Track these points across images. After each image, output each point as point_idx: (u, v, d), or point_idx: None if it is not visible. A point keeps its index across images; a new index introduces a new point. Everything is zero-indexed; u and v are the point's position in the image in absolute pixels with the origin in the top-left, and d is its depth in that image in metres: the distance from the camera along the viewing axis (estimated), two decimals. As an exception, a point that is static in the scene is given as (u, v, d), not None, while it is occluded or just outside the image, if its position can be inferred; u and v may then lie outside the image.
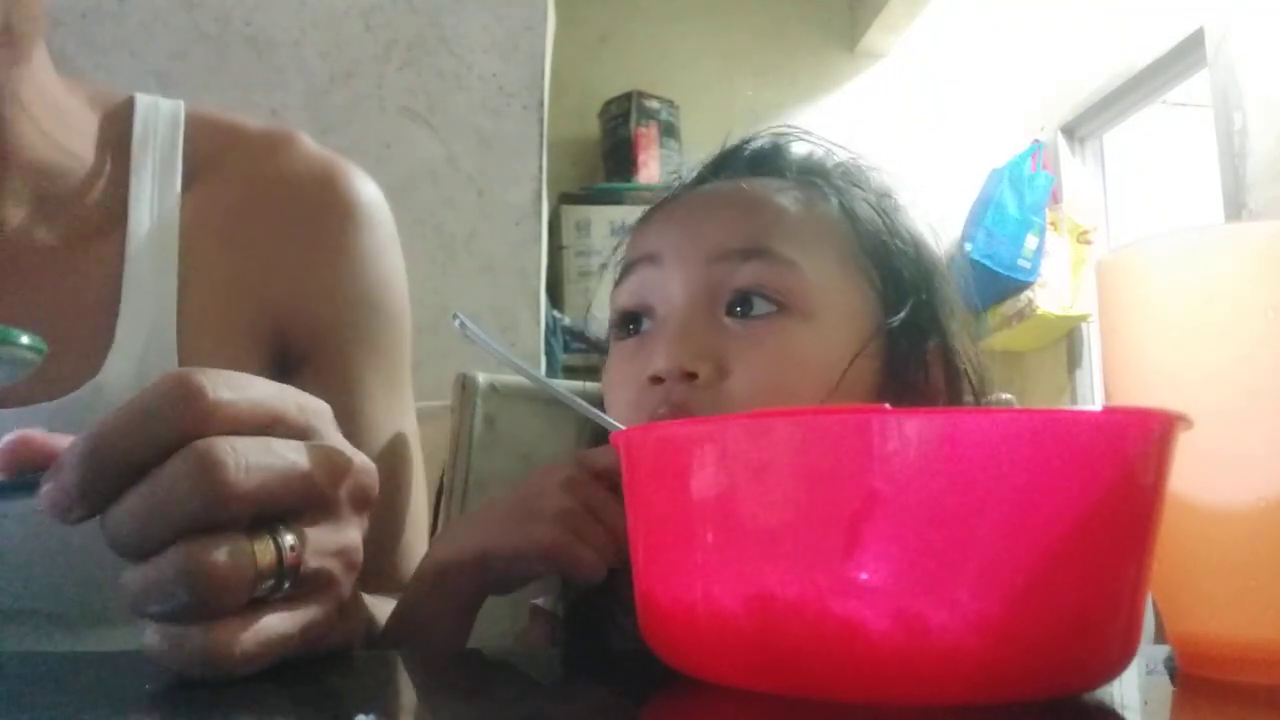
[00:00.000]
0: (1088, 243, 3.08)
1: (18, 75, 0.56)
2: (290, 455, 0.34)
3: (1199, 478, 0.33)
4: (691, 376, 0.52)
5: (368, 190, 0.66)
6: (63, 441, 0.33)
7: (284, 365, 0.62)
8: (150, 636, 0.34)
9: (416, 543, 0.67)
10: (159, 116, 0.62)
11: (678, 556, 0.32)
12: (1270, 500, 0.32)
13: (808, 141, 0.64)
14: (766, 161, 0.63)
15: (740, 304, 0.54)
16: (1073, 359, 3.16)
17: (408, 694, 0.38)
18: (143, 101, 0.63)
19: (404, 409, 0.68)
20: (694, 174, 0.64)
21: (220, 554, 0.32)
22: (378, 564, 0.64)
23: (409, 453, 0.67)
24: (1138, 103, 3.04)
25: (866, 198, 0.61)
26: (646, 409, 0.53)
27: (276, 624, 0.35)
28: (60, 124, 0.59)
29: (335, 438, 0.38)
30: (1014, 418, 0.29)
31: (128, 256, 0.58)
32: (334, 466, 0.36)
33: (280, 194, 0.62)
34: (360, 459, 0.38)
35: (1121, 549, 0.30)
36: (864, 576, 0.28)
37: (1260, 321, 0.32)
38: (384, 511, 0.64)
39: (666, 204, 0.61)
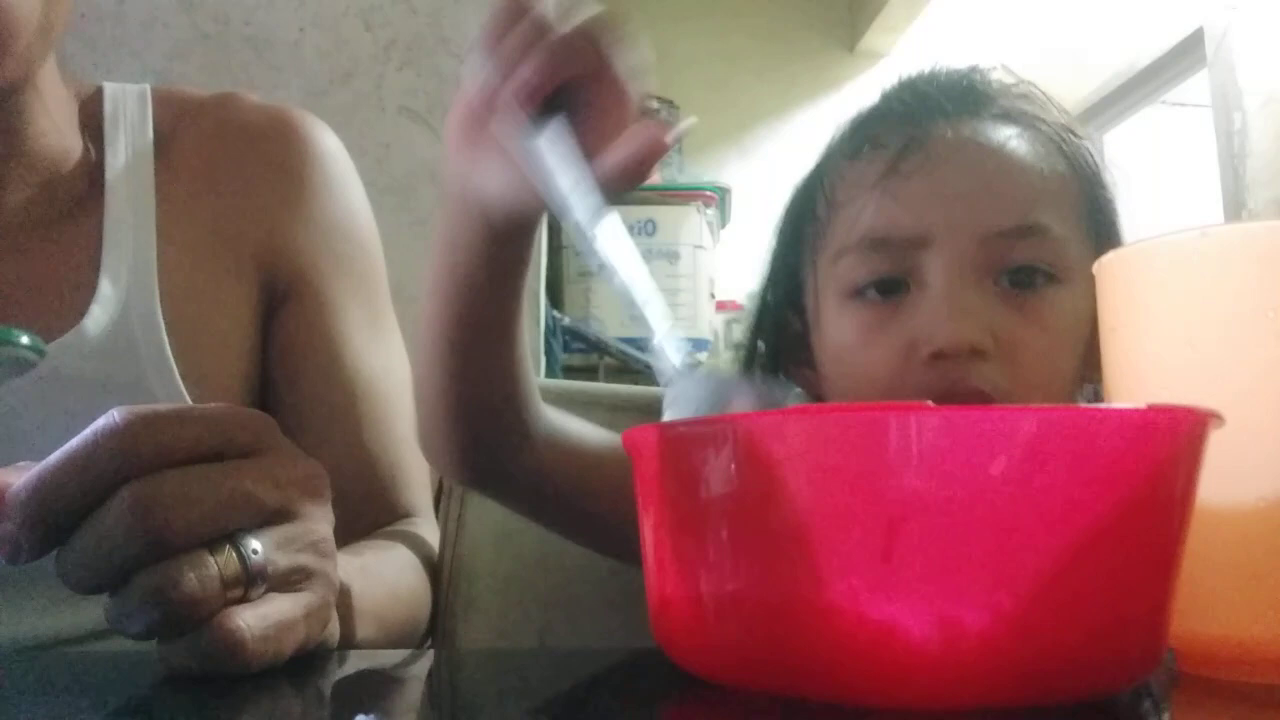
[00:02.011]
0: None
1: (40, 67, 0.59)
2: (229, 481, 0.35)
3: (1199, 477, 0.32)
4: (977, 352, 0.51)
5: (319, 129, 0.70)
6: (5, 475, 0.34)
7: (270, 301, 0.65)
8: (164, 648, 0.34)
9: (414, 468, 0.68)
10: (127, 96, 0.67)
11: (701, 561, 0.31)
12: (1270, 500, 0.32)
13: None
14: (992, 101, 0.58)
15: (1015, 276, 0.53)
16: (1073, 359, 3.15)
17: (409, 694, 0.38)
18: (111, 87, 0.67)
19: (388, 338, 0.70)
20: (907, 103, 0.58)
21: (183, 571, 0.33)
22: (378, 493, 0.65)
23: (397, 379, 0.68)
24: (1138, 103, 3.04)
25: (1083, 144, 0.59)
26: (924, 385, 0.51)
27: (278, 605, 0.36)
28: (60, 112, 0.63)
29: (283, 444, 0.39)
30: (1056, 414, 0.29)
31: (107, 217, 0.61)
32: (275, 476, 0.37)
33: (240, 142, 0.66)
34: (306, 462, 0.39)
35: (1158, 548, 0.29)
36: (903, 580, 0.27)
37: (1261, 321, 0.32)
38: (378, 440, 0.65)
39: (909, 158, 0.54)
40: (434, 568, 0.65)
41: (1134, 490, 0.28)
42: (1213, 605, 0.33)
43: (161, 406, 0.35)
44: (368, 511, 0.64)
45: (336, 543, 0.41)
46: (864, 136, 0.59)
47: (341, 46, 1.56)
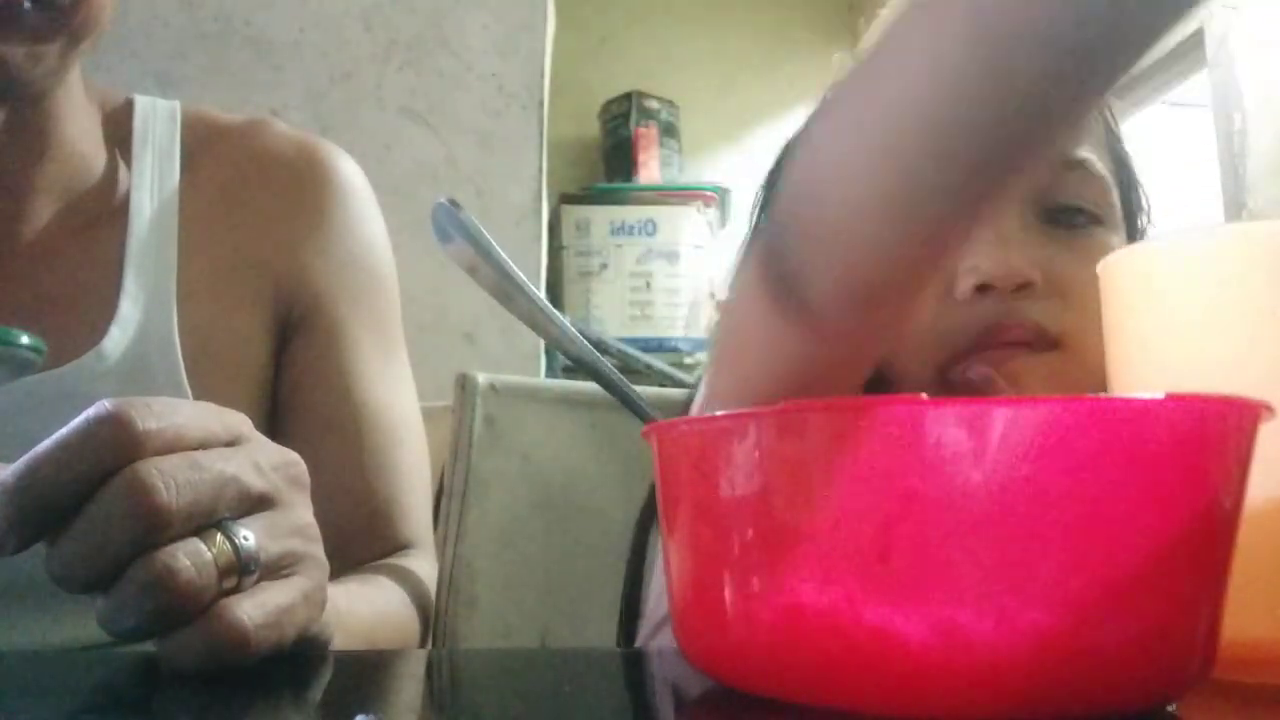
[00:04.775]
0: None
1: (76, 64, 0.60)
2: (217, 465, 0.35)
3: (1202, 478, 0.32)
4: (1024, 286, 0.48)
5: (344, 161, 0.70)
6: None
7: (285, 330, 0.66)
8: (160, 646, 0.34)
9: (417, 503, 0.68)
10: (157, 114, 0.67)
11: (709, 559, 0.30)
12: (1274, 501, 0.32)
13: None
14: None
15: (1058, 215, 0.51)
16: (1073, 359, 3.16)
17: (409, 694, 0.38)
18: (142, 101, 0.67)
19: (399, 370, 0.70)
20: None
21: (178, 559, 0.33)
22: (376, 523, 0.65)
23: (405, 412, 0.69)
24: (1138, 103, 3.04)
25: (1121, 136, 0.58)
26: (968, 322, 0.47)
27: (274, 593, 0.36)
28: (85, 117, 0.64)
29: (260, 440, 0.39)
30: (1071, 407, 0.26)
31: (130, 238, 0.62)
32: (257, 462, 0.37)
33: (266, 170, 0.67)
34: (285, 450, 0.40)
35: (1196, 553, 0.27)
36: (900, 583, 0.26)
37: (1264, 321, 0.32)
38: (380, 471, 0.65)
39: None
40: (427, 602, 0.65)
41: (1174, 488, 0.26)
42: (1235, 606, 0.33)
43: (149, 398, 0.35)
44: (365, 541, 0.64)
45: (331, 571, 0.41)
46: None
47: (341, 46, 1.56)
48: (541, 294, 1.71)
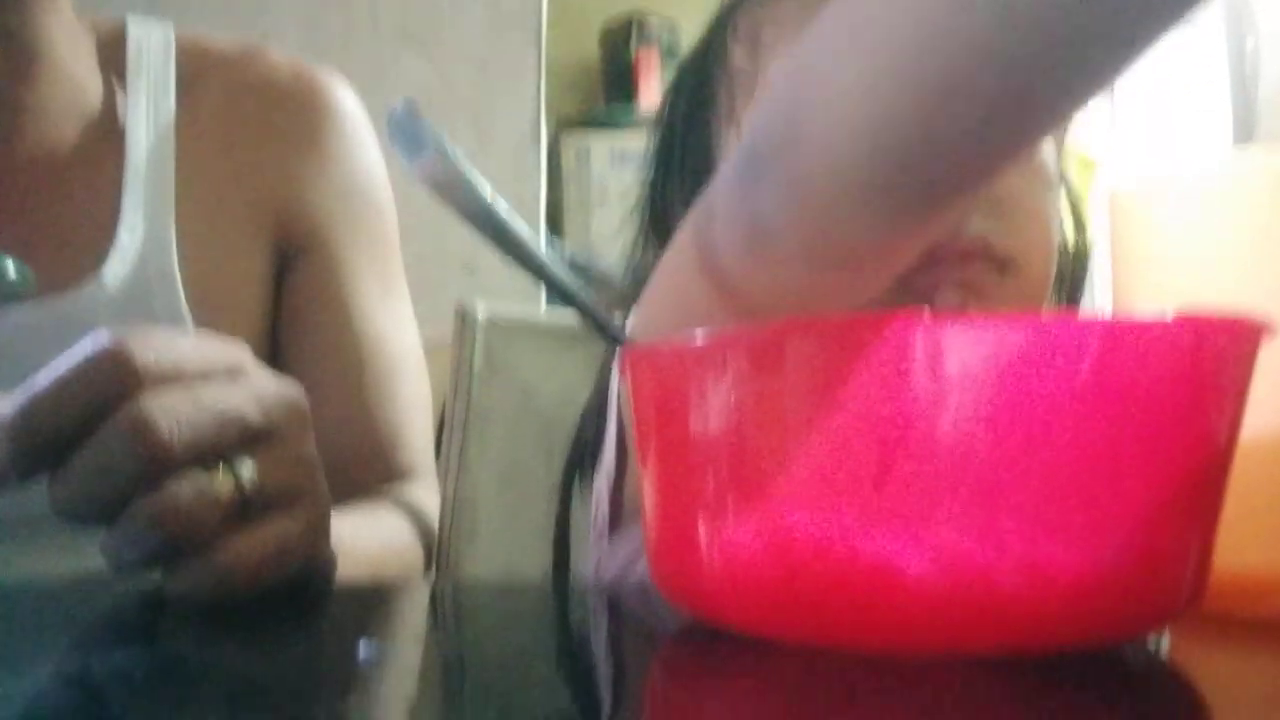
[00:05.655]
0: (1094, 174, 3.05)
1: None
2: (218, 399, 0.35)
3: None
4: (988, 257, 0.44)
5: (341, 90, 0.70)
6: None
7: (284, 259, 0.66)
8: (166, 579, 0.34)
9: (418, 431, 0.69)
10: (151, 41, 0.66)
11: (689, 491, 0.29)
12: (1270, 431, 0.32)
13: None
14: None
15: None
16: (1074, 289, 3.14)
17: (412, 621, 0.38)
18: (135, 26, 0.66)
19: (398, 301, 0.70)
20: None
21: (181, 492, 0.33)
22: (378, 452, 0.65)
23: (405, 341, 0.69)
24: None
25: None
26: (921, 291, 0.43)
27: (277, 525, 0.36)
28: (76, 40, 0.63)
29: (260, 371, 0.39)
30: (1072, 325, 0.25)
31: (127, 166, 0.61)
32: (261, 397, 0.37)
33: (264, 97, 0.66)
34: (285, 382, 0.39)
35: (1195, 478, 0.26)
36: (897, 511, 0.24)
37: (1273, 250, 0.32)
38: (381, 400, 0.66)
39: None
40: (429, 532, 0.65)
41: (1176, 411, 0.25)
42: (1223, 537, 0.33)
43: (147, 330, 0.35)
44: (367, 470, 0.65)
45: (334, 498, 0.41)
46: None
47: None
48: (541, 222, 1.68)
